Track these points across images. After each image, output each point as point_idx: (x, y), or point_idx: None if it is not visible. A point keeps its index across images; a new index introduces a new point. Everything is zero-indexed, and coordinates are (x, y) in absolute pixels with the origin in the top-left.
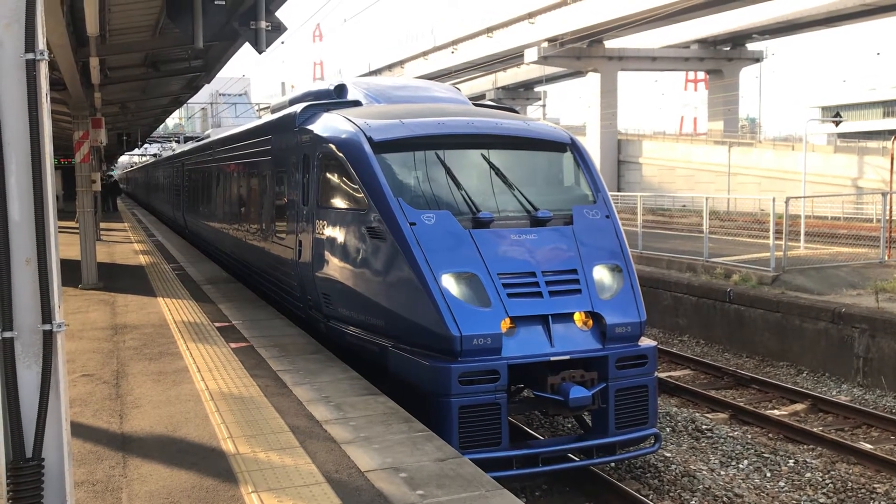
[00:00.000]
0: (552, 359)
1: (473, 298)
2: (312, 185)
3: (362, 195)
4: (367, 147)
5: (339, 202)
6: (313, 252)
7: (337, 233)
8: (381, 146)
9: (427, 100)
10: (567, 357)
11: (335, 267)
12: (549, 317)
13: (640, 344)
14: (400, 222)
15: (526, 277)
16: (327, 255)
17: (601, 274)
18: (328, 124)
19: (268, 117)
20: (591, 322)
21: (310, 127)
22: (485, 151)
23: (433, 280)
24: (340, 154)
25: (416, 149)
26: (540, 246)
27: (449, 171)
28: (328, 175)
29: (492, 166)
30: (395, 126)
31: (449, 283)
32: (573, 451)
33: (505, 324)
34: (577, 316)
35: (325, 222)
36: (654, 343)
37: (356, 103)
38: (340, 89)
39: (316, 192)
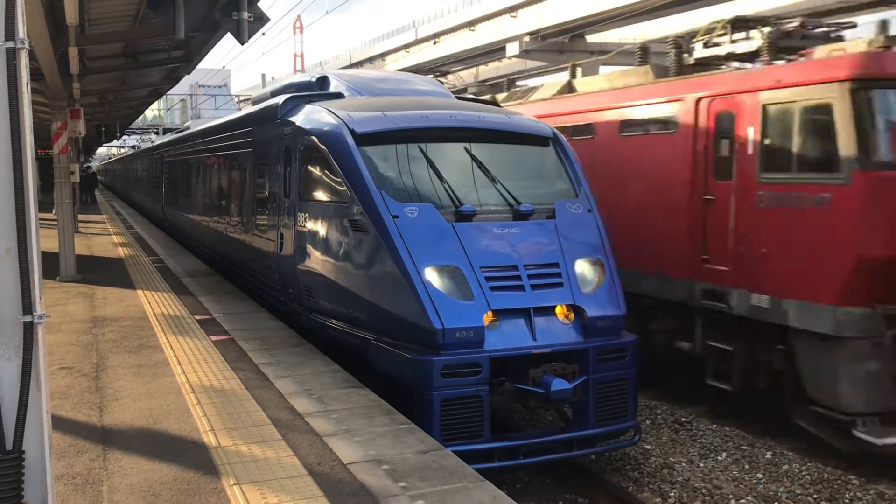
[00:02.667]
0: (534, 352)
1: (456, 292)
2: (294, 177)
3: (345, 188)
4: (350, 139)
5: (321, 195)
6: (295, 245)
7: (319, 226)
8: (364, 139)
9: (410, 92)
10: (549, 350)
11: (317, 260)
12: (531, 310)
13: (620, 337)
14: (382, 215)
15: (508, 271)
16: (309, 248)
17: (583, 267)
18: (310, 116)
19: (249, 109)
20: (572, 315)
21: (292, 119)
22: (467, 145)
23: (416, 273)
24: (322, 146)
25: (398, 141)
26: (522, 239)
27: (432, 164)
28: (310, 167)
29: (474, 160)
30: (378, 118)
31: (431, 276)
32: (554, 444)
33: (487, 317)
34: (558, 309)
35: (306, 215)
36: (634, 336)
37: (338, 95)
38: (322, 81)
39: (298, 185)
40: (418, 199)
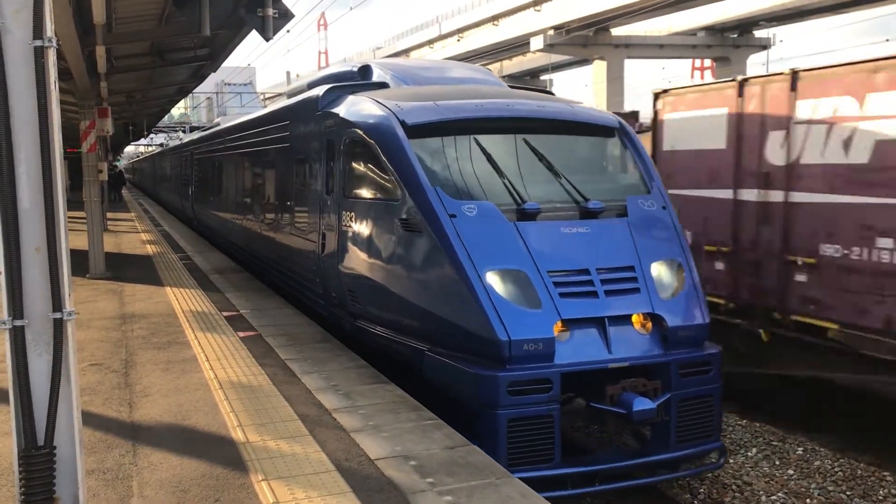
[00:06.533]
0: (610, 366)
1: (522, 299)
2: (337, 173)
3: (395, 184)
4: (400, 131)
5: (368, 192)
6: (338, 246)
7: (366, 225)
8: (416, 130)
9: (457, 81)
10: (626, 364)
11: (363, 262)
12: (606, 319)
13: (703, 349)
14: (439, 214)
15: (579, 275)
16: (355, 249)
17: (660, 271)
18: (355, 108)
19: (283, 102)
20: (650, 325)
21: (334, 111)
22: (527, 136)
23: (477, 278)
24: (370, 140)
25: (453, 133)
26: (593, 240)
27: (490, 158)
28: (356, 162)
29: (536, 153)
30: (430, 108)
31: (494, 281)
32: (634, 468)
33: (557, 327)
34: (635, 318)
35: (352, 214)
36: (718, 348)
37: (383, 85)
38: (365, 71)
39: (342, 181)
40: (476, 196)
